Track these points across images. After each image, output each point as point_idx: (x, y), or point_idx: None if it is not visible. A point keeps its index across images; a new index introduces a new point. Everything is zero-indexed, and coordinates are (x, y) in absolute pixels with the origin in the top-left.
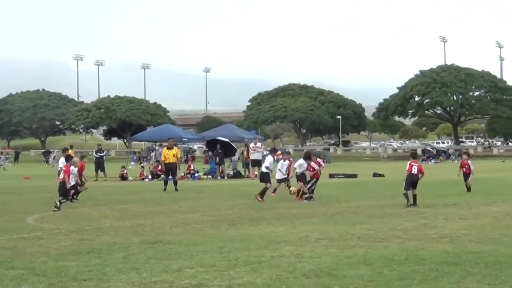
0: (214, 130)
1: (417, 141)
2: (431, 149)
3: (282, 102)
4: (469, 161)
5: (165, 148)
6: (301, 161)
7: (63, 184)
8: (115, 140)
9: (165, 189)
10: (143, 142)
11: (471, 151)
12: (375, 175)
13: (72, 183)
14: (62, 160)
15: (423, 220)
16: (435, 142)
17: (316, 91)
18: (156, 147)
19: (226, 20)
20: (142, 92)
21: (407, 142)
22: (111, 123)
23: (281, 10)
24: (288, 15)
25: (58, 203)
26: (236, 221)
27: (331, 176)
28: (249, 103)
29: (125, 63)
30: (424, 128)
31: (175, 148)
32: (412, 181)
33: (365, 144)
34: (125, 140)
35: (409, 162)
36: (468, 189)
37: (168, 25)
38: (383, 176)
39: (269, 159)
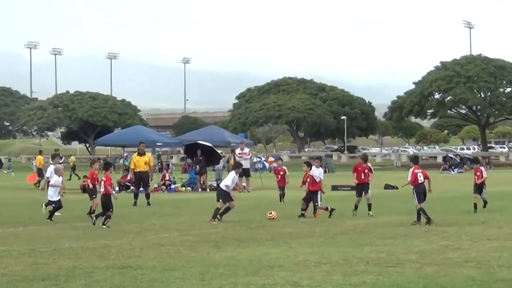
0: (195, 133)
1: (437, 147)
2: (453, 156)
3: (276, 100)
4: (481, 168)
5: (136, 154)
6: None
7: (106, 196)
8: (75, 145)
9: (135, 203)
10: (109, 147)
11: (502, 159)
12: (386, 187)
13: (56, 198)
14: (50, 169)
15: (444, 241)
16: (458, 148)
17: (316, 87)
18: (126, 154)
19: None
20: (108, 87)
21: (425, 148)
22: (71, 124)
23: None
24: None
25: (96, 218)
26: (220, 242)
27: (334, 188)
28: (236, 101)
29: (87, 53)
30: (445, 131)
31: (147, 154)
32: (423, 192)
33: (375, 150)
34: (88, 145)
35: (411, 169)
36: (483, 205)
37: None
38: (396, 188)
39: (231, 176)
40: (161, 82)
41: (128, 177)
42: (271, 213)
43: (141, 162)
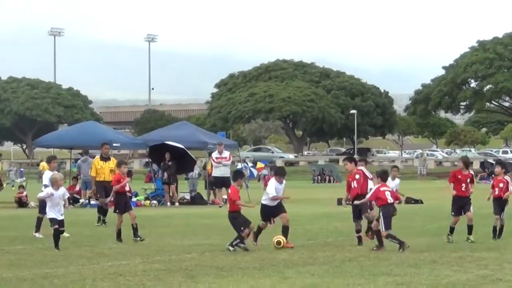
0: (162, 131)
1: (473, 150)
2: (494, 162)
3: (266, 89)
4: (507, 178)
5: (98, 158)
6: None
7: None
8: (8, 146)
9: (102, 221)
10: (51, 149)
11: None
12: (409, 200)
13: (55, 215)
14: (46, 175)
15: (482, 271)
16: (500, 150)
17: (318, 72)
18: (82, 158)
19: None
20: (51, 72)
21: (457, 151)
22: (2, 120)
23: None
24: None
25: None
26: (195, 271)
27: (339, 202)
28: (215, 90)
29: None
30: (484, 130)
31: (112, 159)
32: (391, 214)
33: (394, 153)
34: (24, 146)
35: (376, 186)
36: (498, 232)
37: None
38: (421, 202)
39: (272, 185)
40: (119, 67)
41: (77, 188)
42: (279, 242)
43: (105, 169)
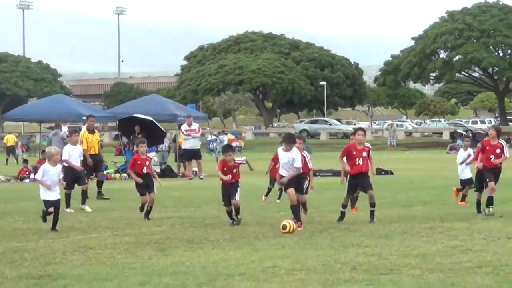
0: (131, 104)
1: (442, 120)
2: (464, 132)
3: (236, 61)
4: (502, 142)
5: (86, 132)
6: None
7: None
8: None
9: (100, 193)
10: (21, 123)
11: None
12: (379, 172)
13: (50, 196)
14: (66, 149)
15: (452, 241)
16: (470, 121)
17: (288, 44)
18: (52, 132)
19: None
20: (20, 45)
21: (427, 121)
22: None
23: None
24: None
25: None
26: (165, 244)
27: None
28: (185, 62)
29: None
30: (453, 100)
31: (96, 132)
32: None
33: (364, 124)
34: None
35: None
36: (488, 203)
37: None
38: (392, 173)
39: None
40: (88, 40)
41: (44, 159)
42: (285, 226)
43: (94, 141)
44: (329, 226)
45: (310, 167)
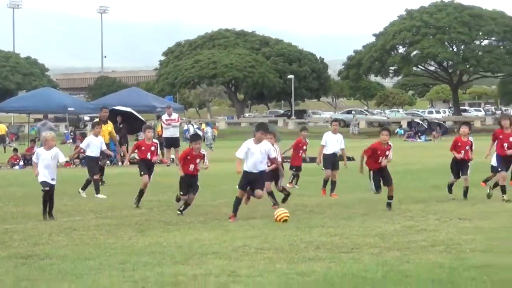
0: (114, 96)
1: (401, 110)
2: (420, 122)
3: (210, 56)
4: (470, 139)
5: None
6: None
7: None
8: None
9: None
10: (11, 114)
11: (477, 124)
12: (342, 158)
13: (46, 178)
14: (87, 140)
15: (408, 222)
16: (426, 111)
17: (258, 40)
18: (40, 122)
19: None
20: (10, 42)
21: (387, 111)
22: None
23: None
24: None
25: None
26: (144, 226)
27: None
28: (163, 57)
29: None
30: (411, 92)
31: (109, 122)
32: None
33: (329, 114)
34: None
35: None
36: (465, 192)
37: None
38: (353, 159)
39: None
40: (74, 37)
41: (35, 149)
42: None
43: (105, 131)
44: (296, 209)
45: (279, 160)
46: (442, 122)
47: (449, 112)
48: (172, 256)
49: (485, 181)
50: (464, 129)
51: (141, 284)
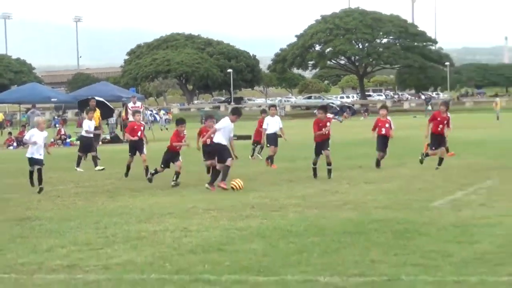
0: (87, 89)
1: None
2: (333, 105)
3: (165, 55)
4: (389, 118)
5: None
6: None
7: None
8: None
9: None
10: (6, 104)
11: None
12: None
13: (34, 155)
14: (86, 123)
15: (324, 186)
16: (338, 96)
17: (203, 42)
18: (30, 111)
19: None
20: (3, 46)
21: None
22: None
23: None
24: None
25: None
26: (114, 193)
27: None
28: (127, 57)
29: None
30: (326, 81)
31: (97, 109)
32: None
33: (261, 100)
34: None
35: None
36: (377, 163)
37: None
38: (280, 136)
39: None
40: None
41: (25, 133)
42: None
43: (96, 117)
44: (236, 176)
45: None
46: (351, 105)
47: (357, 97)
48: (136, 216)
49: (426, 155)
50: (382, 112)
51: (111, 239)
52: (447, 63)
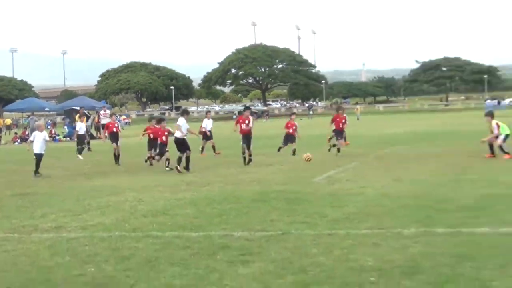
0: (71, 101)
1: (234, 105)
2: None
3: (126, 77)
4: (296, 122)
5: (77, 116)
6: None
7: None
8: None
9: (83, 148)
10: (13, 113)
11: (276, 111)
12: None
13: (39, 151)
14: (78, 125)
15: (240, 168)
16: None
17: (153, 67)
18: (30, 117)
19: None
20: (11, 72)
21: (226, 105)
22: None
23: None
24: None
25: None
26: (90, 175)
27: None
28: (99, 78)
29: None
30: (239, 95)
31: (85, 115)
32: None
33: (193, 108)
34: None
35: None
36: (339, 150)
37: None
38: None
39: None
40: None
41: (26, 133)
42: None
43: (84, 121)
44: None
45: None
46: (256, 111)
47: (260, 105)
48: (106, 192)
49: (334, 145)
50: (292, 116)
51: (87, 208)
52: (323, 81)
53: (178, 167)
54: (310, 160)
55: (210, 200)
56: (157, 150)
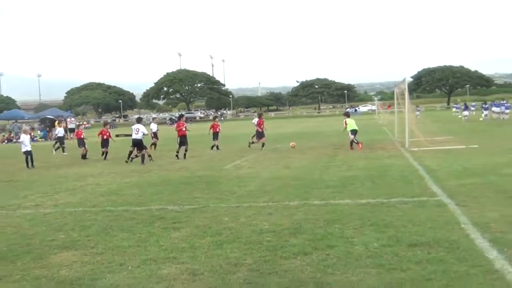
0: (45, 112)
1: (166, 113)
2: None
3: (86, 93)
4: (219, 123)
5: (57, 123)
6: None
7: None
8: None
9: (62, 147)
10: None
11: (198, 118)
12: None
13: (26, 148)
14: (58, 130)
15: (173, 161)
16: (177, 113)
17: (106, 86)
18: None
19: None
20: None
21: (161, 114)
22: None
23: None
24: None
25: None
26: (60, 166)
27: (117, 135)
28: (66, 95)
29: None
30: (170, 106)
31: (62, 121)
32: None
33: (135, 116)
34: None
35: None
36: (217, 146)
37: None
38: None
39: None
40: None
41: (11, 135)
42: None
43: (61, 128)
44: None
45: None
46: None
47: (186, 113)
48: (73, 178)
49: (253, 142)
50: (216, 119)
51: (58, 190)
52: (230, 96)
53: (128, 160)
54: (294, 147)
55: (150, 183)
56: (105, 147)
